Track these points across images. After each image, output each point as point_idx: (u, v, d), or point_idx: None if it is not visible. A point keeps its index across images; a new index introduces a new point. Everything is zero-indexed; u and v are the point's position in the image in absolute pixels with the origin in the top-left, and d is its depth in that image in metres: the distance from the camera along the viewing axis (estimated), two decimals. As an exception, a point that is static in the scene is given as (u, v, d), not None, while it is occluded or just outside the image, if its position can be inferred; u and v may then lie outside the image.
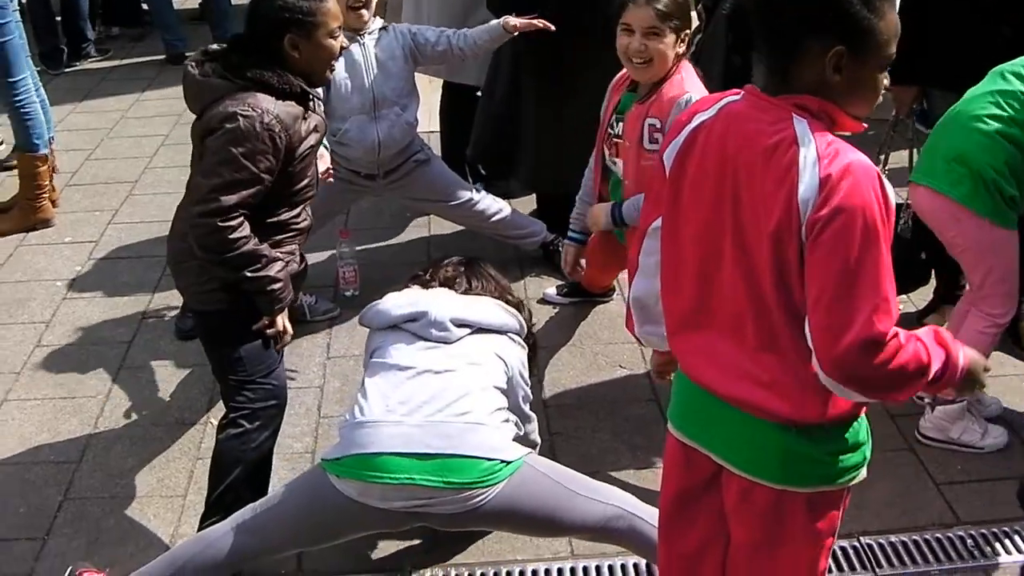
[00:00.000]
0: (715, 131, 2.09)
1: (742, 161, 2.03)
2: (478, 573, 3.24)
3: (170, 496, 3.58)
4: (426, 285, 3.30)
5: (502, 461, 2.83)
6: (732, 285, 2.09)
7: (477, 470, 2.79)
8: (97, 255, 5.21)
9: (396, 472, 2.77)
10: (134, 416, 4.00)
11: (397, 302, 3.17)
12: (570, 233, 4.10)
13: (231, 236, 2.99)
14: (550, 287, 4.78)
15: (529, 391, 3.25)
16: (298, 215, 3.26)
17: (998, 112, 3.33)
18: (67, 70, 8.13)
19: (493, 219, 4.79)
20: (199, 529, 3.13)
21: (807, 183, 1.90)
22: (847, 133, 2.04)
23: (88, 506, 3.54)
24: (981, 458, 3.70)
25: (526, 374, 3.23)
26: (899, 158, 4.39)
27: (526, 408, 3.23)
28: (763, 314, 2.05)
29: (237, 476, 3.13)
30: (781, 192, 1.94)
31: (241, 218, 3.01)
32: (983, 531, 3.39)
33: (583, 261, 4.16)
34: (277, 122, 3.00)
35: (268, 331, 3.19)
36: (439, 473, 2.77)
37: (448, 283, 3.29)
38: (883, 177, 1.95)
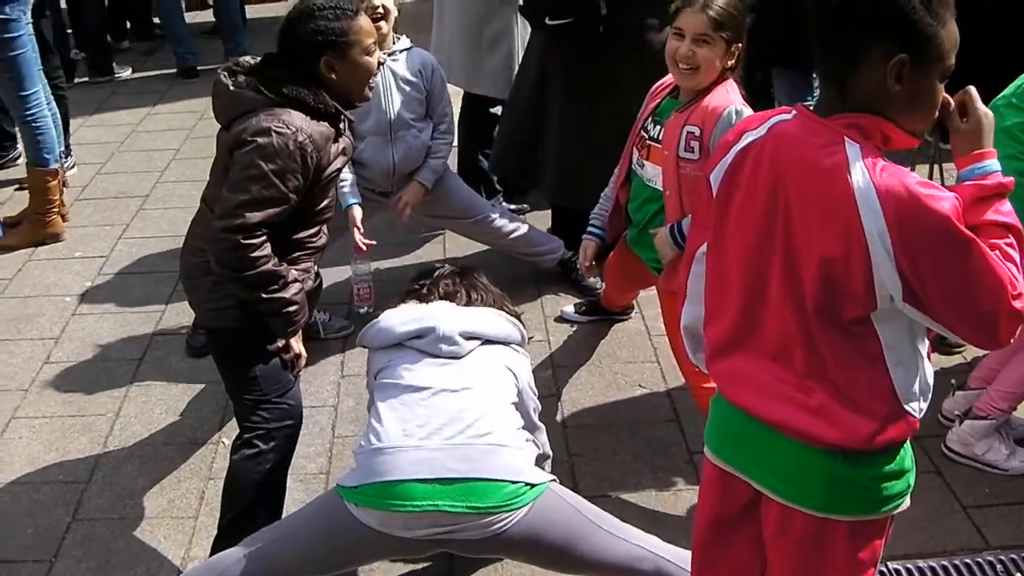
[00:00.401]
0: (765, 152, 2.02)
1: (793, 184, 1.97)
2: (497, 600, 3.16)
3: (181, 517, 3.50)
4: (425, 299, 3.15)
5: (527, 484, 2.73)
6: (780, 310, 2.03)
7: (501, 494, 2.68)
8: (107, 270, 5.15)
9: (419, 499, 2.65)
10: (144, 435, 3.92)
11: (401, 319, 3.01)
12: (590, 228, 3.92)
13: (252, 254, 2.91)
14: (568, 305, 4.70)
15: (537, 401, 3.15)
16: (315, 234, 3.19)
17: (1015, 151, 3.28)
18: (77, 82, 8.10)
19: (510, 236, 4.72)
20: (212, 553, 3.05)
21: (873, 230, 1.86)
22: (900, 149, 1.98)
23: (97, 527, 3.46)
24: (1009, 480, 3.61)
25: (533, 384, 3.12)
26: (920, 172, 4.29)
27: (535, 417, 3.11)
28: (810, 339, 2.00)
29: (252, 498, 3.05)
30: (836, 219, 1.89)
31: (264, 236, 2.93)
32: (1013, 556, 3.30)
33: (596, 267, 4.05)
34: (310, 142, 2.93)
35: (284, 355, 3.11)
36: (463, 498, 2.65)
37: (448, 297, 3.15)
38: (930, 182, 1.93)
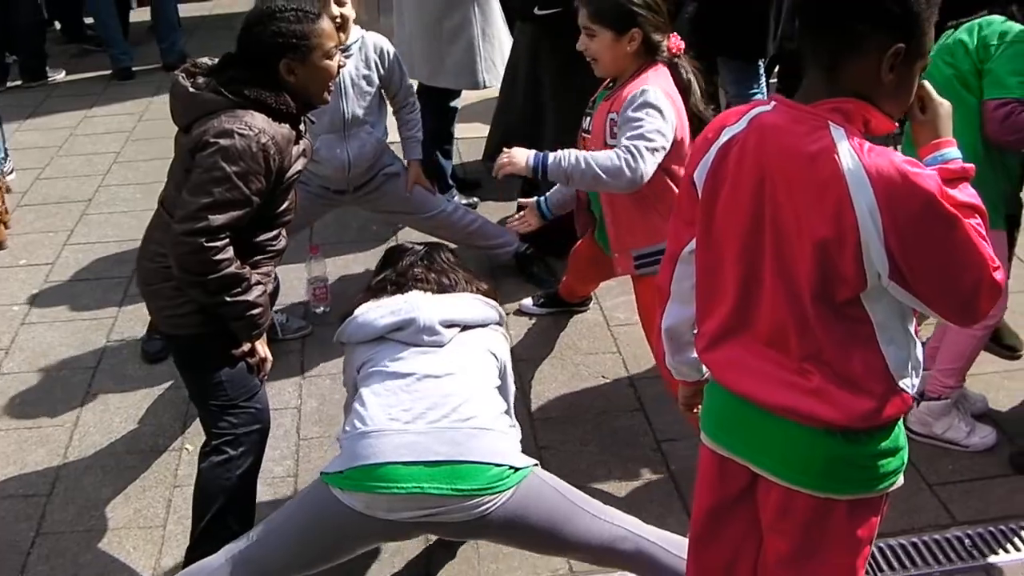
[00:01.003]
0: (748, 145, 2.04)
1: (780, 173, 1.99)
2: (476, 597, 3.15)
3: (149, 527, 3.44)
4: (400, 289, 3.10)
5: (511, 467, 2.74)
6: (773, 297, 2.06)
7: (485, 476, 2.68)
8: (54, 278, 5.04)
9: (404, 481, 2.64)
10: (105, 444, 3.84)
11: (380, 312, 2.98)
12: (540, 199, 3.94)
13: (215, 258, 2.85)
14: (526, 298, 4.69)
15: (513, 386, 3.19)
16: (275, 237, 3.15)
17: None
18: (9, 86, 7.95)
19: (467, 230, 4.71)
20: (187, 563, 3.00)
21: (864, 208, 1.89)
22: (881, 133, 2.01)
23: (63, 541, 3.39)
24: (971, 457, 3.69)
25: (511, 366, 3.15)
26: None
27: (512, 399, 3.16)
28: (805, 324, 2.03)
29: (223, 505, 3.01)
30: (827, 202, 1.92)
31: (227, 240, 2.88)
32: (980, 531, 3.38)
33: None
34: (273, 143, 2.89)
35: (249, 359, 3.08)
36: (448, 480, 2.65)
37: (422, 284, 3.11)
38: (915, 161, 1.96)
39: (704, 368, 2.39)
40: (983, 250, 1.94)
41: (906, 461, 2.20)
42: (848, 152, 1.91)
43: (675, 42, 3.49)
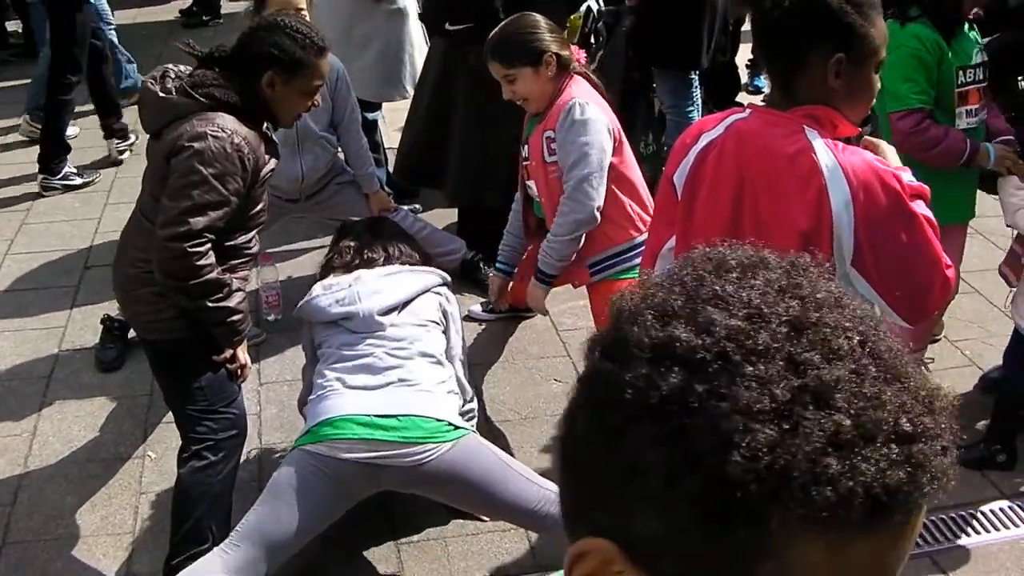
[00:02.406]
0: (727, 148, 2.19)
1: (760, 171, 2.16)
2: (448, 593, 3.24)
3: (117, 534, 3.47)
4: (348, 267, 3.56)
5: (450, 423, 3.14)
6: None
7: (427, 427, 3.09)
8: (-1, 287, 5.01)
9: (357, 430, 3.06)
10: (66, 453, 3.86)
11: (328, 301, 3.41)
12: (498, 264, 4.17)
13: (198, 263, 2.91)
14: (474, 304, 4.79)
15: (462, 344, 3.62)
16: (250, 240, 3.21)
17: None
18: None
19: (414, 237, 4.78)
20: (167, 569, 3.04)
21: (838, 199, 2.07)
22: (845, 136, 2.18)
23: (31, 550, 3.41)
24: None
25: (459, 318, 3.63)
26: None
27: (462, 369, 3.55)
28: None
29: (205, 509, 3.06)
30: (807, 196, 2.09)
31: (209, 243, 2.94)
32: (952, 515, 3.57)
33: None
34: (246, 144, 2.95)
35: (229, 365, 3.13)
36: (393, 430, 3.06)
37: (368, 264, 3.56)
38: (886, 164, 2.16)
39: None
40: (938, 251, 2.14)
41: None
42: (824, 151, 2.09)
43: (576, 53, 3.74)
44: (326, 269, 3.66)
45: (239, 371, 3.18)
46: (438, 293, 3.56)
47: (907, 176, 2.26)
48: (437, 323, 3.45)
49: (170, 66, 3.14)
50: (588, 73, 3.74)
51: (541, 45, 3.56)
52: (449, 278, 3.71)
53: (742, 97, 7.39)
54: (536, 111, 3.67)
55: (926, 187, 2.23)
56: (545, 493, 3.12)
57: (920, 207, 2.17)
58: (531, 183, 3.81)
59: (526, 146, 3.77)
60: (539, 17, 3.67)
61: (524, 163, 3.80)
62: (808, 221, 2.09)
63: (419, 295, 3.47)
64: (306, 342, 3.58)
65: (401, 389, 3.19)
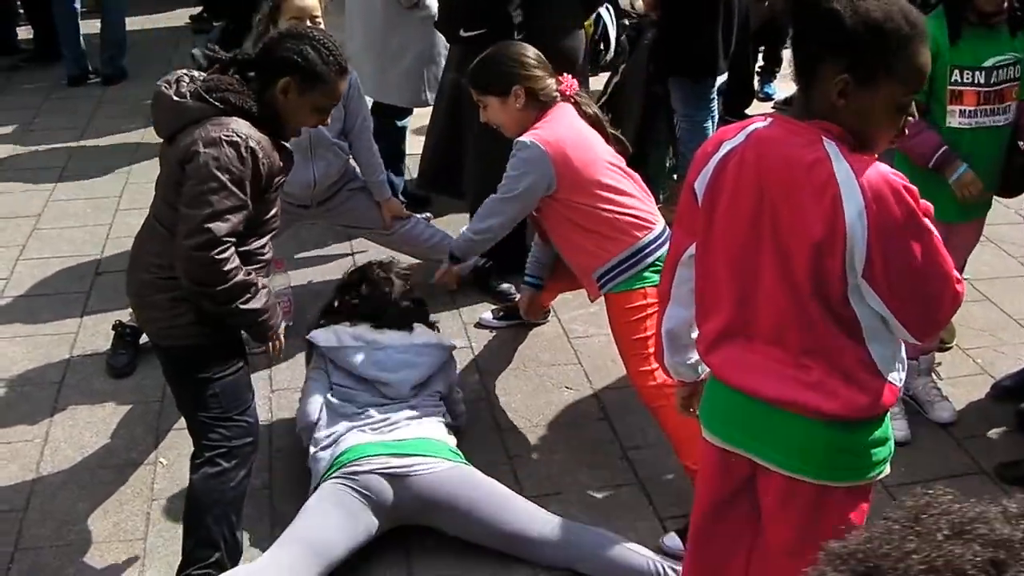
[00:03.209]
0: (747, 157, 2.20)
1: (778, 180, 2.15)
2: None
3: (129, 540, 3.47)
4: (376, 320, 3.84)
5: (451, 448, 3.50)
6: (774, 296, 2.21)
7: (429, 445, 3.44)
8: (10, 293, 5.01)
9: (375, 448, 3.39)
10: (77, 459, 3.86)
11: (364, 359, 3.71)
12: (527, 278, 4.26)
13: (225, 268, 2.92)
14: (485, 311, 4.79)
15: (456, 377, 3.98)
16: (264, 246, 3.20)
17: None
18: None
19: (426, 244, 4.79)
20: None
21: (852, 210, 2.07)
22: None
23: (43, 556, 3.41)
24: (921, 459, 3.86)
25: (454, 375, 3.96)
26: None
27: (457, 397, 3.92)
28: (804, 321, 2.19)
29: (217, 517, 3.06)
30: (822, 206, 2.08)
31: (233, 248, 2.94)
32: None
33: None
34: (260, 148, 2.95)
35: (270, 353, 3.34)
36: (407, 445, 3.42)
37: (394, 324, 3.85)
38: (904, 177, 2.13)
39: (701, 369, 2.55)
40: (949, 266, 2.14)
41: (892, 451, 2.37)
42: (841, 162, 2.09)
43: (568, 83, 3.77)
44: (339, 316, 3.90)
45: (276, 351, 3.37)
46: (446, 365, 3.90)
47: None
48: (439, 401, 3.78)
49: (183, 71, 3.14)
50: (580, 99, 3.78)
51: (510, 78, 3.64)
52: (454, 343, 4.07)
53: (755, 106, 7.40)
54: (512, 136, 3.72)
55: (930, 205, 2.23)
56: (564, 522, 3.34)
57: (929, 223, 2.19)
58: None
59: None
60: (525, 49, 3.74)
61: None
62: (823, 230, 2.09)
63: (435, 374, 3.80)
64: (318, 367, 3.78)
65: (411, 426, 3.54)
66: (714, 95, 5.49)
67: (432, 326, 4.02)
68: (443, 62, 5.29)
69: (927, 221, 2.10)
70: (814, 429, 2.25)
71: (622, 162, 3.75)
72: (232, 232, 2.93)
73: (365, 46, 5.20)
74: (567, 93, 3.73)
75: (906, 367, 2.32)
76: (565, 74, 3.80)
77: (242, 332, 3.27)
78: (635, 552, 3.25)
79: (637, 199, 3.68)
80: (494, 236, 3.90)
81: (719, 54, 5.29)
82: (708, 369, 2.45)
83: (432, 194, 5.53)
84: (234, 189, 2.91)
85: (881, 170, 2.09)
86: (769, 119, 2.24)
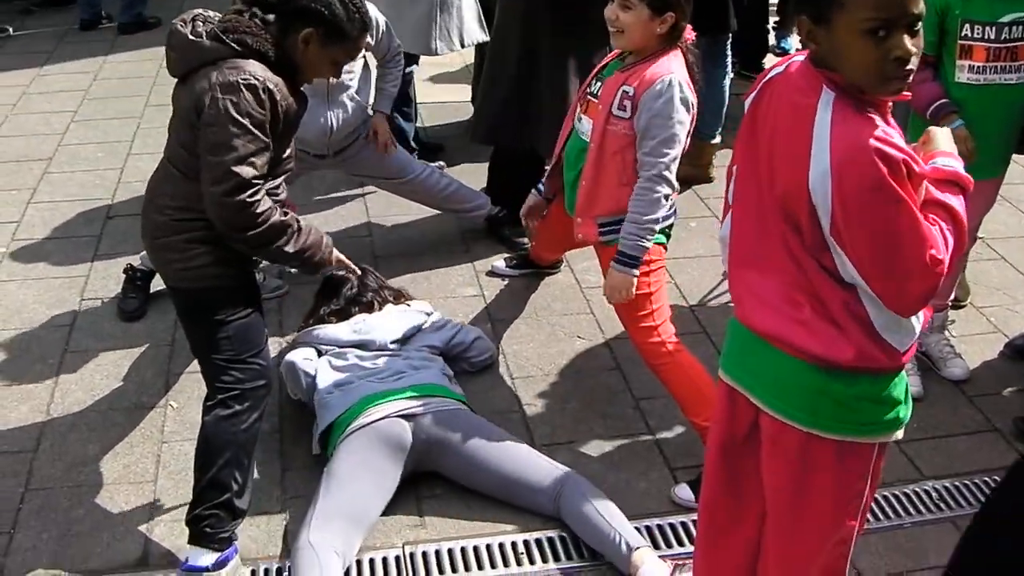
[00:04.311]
0: (775, 86, 2.18)
1: (780, 120, 2.13)
2: (470, 546, 3.24)
3: (139, 482, 3.47)
4: (344, 315, 3.98)
5: (457, 394, 3.63)
6: (771, 229, 2.18)
7: (439, 388, 3.58)
8: (22, 236, 4.99)
9: (379, 398, 3.46)
10: (88, 401, 3.85)
11: (344, 330, 3.87)
12: (539, 184, 4.02)
13: (258, 210, 2.90)
14: (498, 260, 4.77)
15: (456, 329, 4.04)
16: (278, 186, 3.16)
17: None
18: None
19: (441, 194, 4.76)
20: (190, 517, 3.05)
21: (817, 169, 2.02)
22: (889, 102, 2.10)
23: (53, 496, 3.41)
24: (934, 416, 3.84)
25: (446, 328, 4.03)
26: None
27: (463, 334, 4.03)
28: (793, 257, 2.16)
29: (228, 458, 3.04)
30: (795, 154, 2.05)
31: (262, 190, 2.93)
32: (946, 484, 3.54)
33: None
34: (277, 90, 2.91)
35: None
36: (411, 389, 3.52)
37: (368, 308, 3.99)
38: (891, 139, 2.01)
39: None
40: (927, 236, 2.02)
41: (904, 418, 2.28)
42: (825, 113, 2.02)
43: (689, 33, 3.54)
44: (318, 319, 3.99)
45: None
46: (426, 324, 4.02)
47: (944, 161, 2.22)
48: (433, 353, 3.87)
49: (200, 10, 3.09)
50: (688, 51, 3.54)
51: (669, 3, 3.38)
52: (431, 309, 4.14)
53: (770, 60, 7.33)
54: (625, 48, 3.50)
55: (966, 177, 2.18)
56: (559, 474, 3.33)
57: (943, 195, 2.13)
58: (585, 119, 3.63)
59: (599, 83, 3.61)
60: None
61: (588, 96, 3.65)
62: (791, 180, 2.06)
63: (418, 331, 3.96)
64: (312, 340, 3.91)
65: (415, 374, 3.64)
66: (728, 51, 5.44)
67: (405, 297, 4.18)
68: (458, 11, 5.22)
69: (900, 190, 1.98)
70: (799, 370, 2.21)
71: None
72: (260, 174, 2.91)
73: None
74: (688, 40, 3.52)
75: (914, 332, 2.22)
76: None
77: (258, 275, 3.25)
78: (604, 519, 3.18)
79: None
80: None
81: (730, 10, 5.23)
82: None
83: (490, 145, 5.16)
84: (256, 132, 2.87)
85: (863, 131, 1.99)
86: (800, 58, 2.19)
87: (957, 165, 2.23)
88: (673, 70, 3.40)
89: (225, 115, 2.84)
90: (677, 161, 3.43)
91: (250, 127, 2.86)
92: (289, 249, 3.05)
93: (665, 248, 3.61)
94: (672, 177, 3.43)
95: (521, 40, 4.58)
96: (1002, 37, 3.55)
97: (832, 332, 2.15)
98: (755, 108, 2.23)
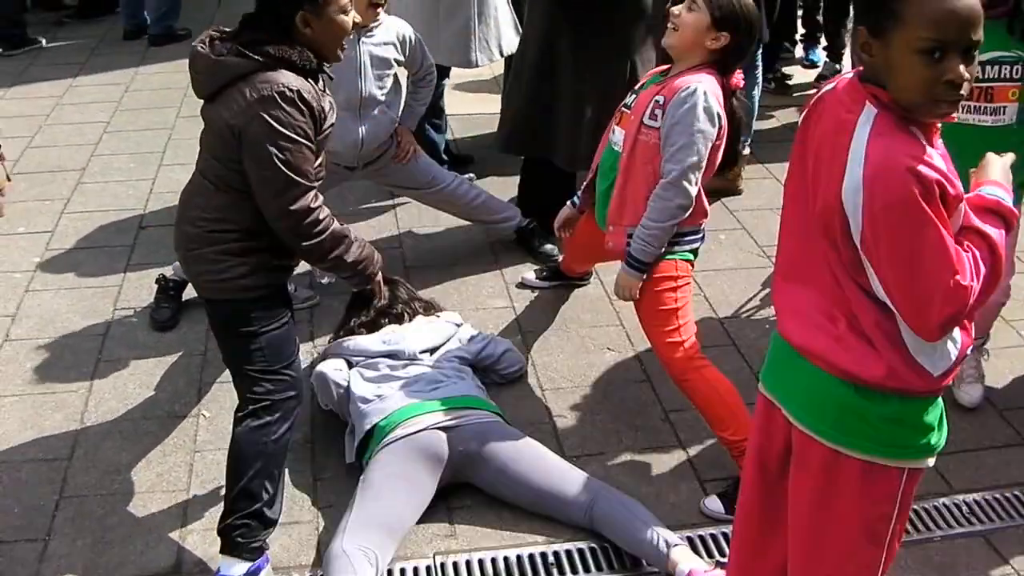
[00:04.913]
0: (824, 104, 2.18)
1: (823, 135, 2.13)
2: (500, 557, 3.25)
3: (172, 491, 3.49)
4: (375, 327, 3.97)
5: (491, 405, 3.64)
6: (813, 244, 2.18)
7: (474, 400, 3.59)
8: (55, 246, 5.04)
9: (414, 410, 3.47)
10: (122, 410, 3.89)
11: (373, 340, 3.87)
12: (574, 196, 4.06)
13: (321, 216, 3.02)
14: (528, 271, 4.78)
15: (486, 342, 4.02)
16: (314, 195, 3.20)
17: None
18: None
19: (470, 204, 4.78)
20: (222, 526, 3.08)
21: (850, 182, 2.02)
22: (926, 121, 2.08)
23: (87, 504, 3.44)
24: (963, 429, 3.81)
25: (476, 340, 4.03)
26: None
27: (493, 346, 4.03)
28: (830, 272, 2.16)
29: (259, 468, 3.07)
30: (833, 170, 2.05)
31: (320, 196, 3.05)
32: (976, 498, 3.52)
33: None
34: (311, 96, 2.94)
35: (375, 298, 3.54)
36: (445, 401, 3.53)
37: (399, 319, 4.00)
38: (927, 159, 1.98)
39: None
40: (951, 260, 2.00)
41: (936, 445, 2.25)
42: (864, 130, 2.02)
43: (738, 78, 3.55)
44: (348, 331, 4.00)
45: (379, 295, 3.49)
46: (458, 337, 4.02)
47: (991, 191, 2.19)
48: (463, 365, 3.86)
49: (213, 31, 3.09)
50: (731, 92, 3.54)
51: (732, 22, 3.40)
52: (460, 320, 4.13)
53: (798, 72, 7.33)
54: (669, 44, 3.49)
55: (1010, 209, 2.16)
56: (591, 486, 3.34)
57: (982, 223, 2.11)
58: (619, 129, 3.65)
59: (634, 96, 3.64)
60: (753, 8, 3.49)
61: (624, 109, 3.66)
62: (829, 195, 2.07)
63: (448, 341, 3.95)
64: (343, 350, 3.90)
65: (450, 386, 3.64)
66: (759, 61, 5.44)
67: (436, 308, 4.19)
68: (495, 23, 5.23)
69: (929, 211, 1.96)
70: (829, 385, 2.20)
71: None
72: (315, 179, 3.02)
73: (417, 7, 5.11)
74: (733, 85, 3.53)
75: (950, 357, 2.17)
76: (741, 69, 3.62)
77: (289, 286, 3.28)
78: (639, 520, 3.21)
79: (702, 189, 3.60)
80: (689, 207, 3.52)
81: (762, 21, 5.22)
82: None
83: (508, 153, 5.19)
84: (303, 141, 2.93)
85: (899, 150, 1.98)
86: (854, 72, 2.18)
87: (1004, 196, 2.19)
88: (703, 80, 3.41)
89: (271, 129, 2.89)
90: (698, 172, 3.42)
91: (296, 137, 2.91)
92: (348, 258, 3.14)
93: (692, 265, 3.62)
94: (690, 188, 3.42)
95: (540, 53, 4.62)
96: (976, 76, 3.47)
97: (864, 349, 2.14)
98: (805, 126, 2.23)
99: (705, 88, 3.39)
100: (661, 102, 3.44)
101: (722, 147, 3.51)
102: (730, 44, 3.43)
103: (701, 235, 3.62)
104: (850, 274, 2.12)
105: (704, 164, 3.43)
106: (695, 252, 3.63)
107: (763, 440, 2.45)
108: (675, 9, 3.46)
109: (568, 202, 4.04)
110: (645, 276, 3.52)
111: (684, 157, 3.40)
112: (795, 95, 6.95)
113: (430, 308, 4.15)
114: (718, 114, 3.41)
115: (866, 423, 2.20)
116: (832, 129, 2.10)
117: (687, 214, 3.47)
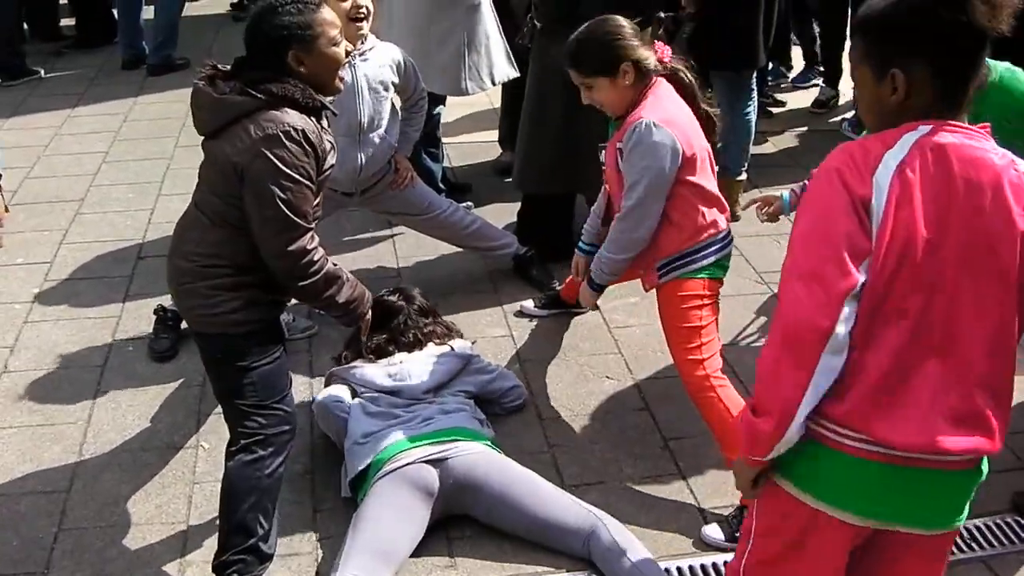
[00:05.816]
0: (926, 164, 1.99)
1: (975, 187, 2.02)
2: (501, 589, 3.24)
3: (171, 523, 3.48)
4: (411, 349, 3.96)
5: (485, 436, 3.61)
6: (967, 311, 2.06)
7: (465, 432, 3.54)
8: (54, 276, 5.04)
9: (409, 444, 3.45)
10: (120, 442, 3.88)
11: (379, 372, 3.84)
12: (580, 243, 4.17)
13: (315, 258, 3.04)
14: (526, 300, 4.78)
15: (492, 375, 4.00)
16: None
17: None
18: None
19: (465, 231, 4.78)
20: (217, 561, 3.08)
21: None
22: None
23: (86, 536, 3.43)
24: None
25: (483, 366, 4.01)
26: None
27: (500, 381, 4.01)
28: (997, 338, 2.05)
29: (252, 504, 3.06)
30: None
31: (316, 237, 3.07)
32: (978, 524, 3.50)
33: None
34: (314, 135, 2.95)
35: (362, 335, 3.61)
36: (440, 433, 3.50)
37: (410, 347, 3.96)
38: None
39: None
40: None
41: None
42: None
43: (661, 51, 3.62)
44: (356, 351, 4.00)
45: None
46: (467, 370, 3.96)
47: None
48: (467, 399, 3.84)
49: (211, 67, 3.08)
50: (677, 70, 3.63)
51: (618, 54, 3.48)
52: (472, 352, 4.04)
53: (796, 96, 7.35)
54: (615, 115, 3.62)
55: None
56: (588, 515, 3.32)
57: None
58: (606, 186, 3.81)
59: (603, 151, 3.74)
60: (620, 21, 3.56)
61: (602, 167, 3.78)
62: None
63: (455, 377, 3.90)
64: (350, 377, 3.89)
65: (442, 419, 3.61)
66: (754, 84, 5.46)
67: (452, 333, 4.14)
68: (486, 51, 5.26)
69: None
70: (968, 476, 2.15)
71: (710, 153, 3.64)
72: (311, 216, 3.03)
73: (408, 34, 5.15)
74: (665, 61, 3.59)
75: None
76: (656, 42, 3.71)
77: (288, 315, 3.29)
78: (633, 566, 3.17)
79: (717, 196, 3.63)
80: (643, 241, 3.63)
81: (760, 45, 5.26)
82: None
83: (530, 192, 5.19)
84: (304, 181, 2.95)
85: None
86: (930, 126, 2.01)
87: None
88: (643, 114, 3.48)
89: (275, 168, 2.90)
90: (648, 203, 3.51)
91: (299, 177, 2.92)
92: (340, 299, 3.16)
93: (720, 283, 3.68)
94: (642, 218, 3.54)
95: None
96: None
97: (1000, 415, 2.07)
98: (898, 196, 1.99)
99: (647, 120, 3.45)
100: (620, 147, 3.55)
101: (702, 149, 3.56)
102: (635, 60, 3.50)
103: (719, 247, 3.64)
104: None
105: (660, 196, 3.51)
106: (724, 266, 3.69)
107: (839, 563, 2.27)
108: (584, 100, 3.63)
109: (576, 250, 4.17)
110: (599, 292, 3.89)
111: (633, 193, 3.51)
112: (790, 120, 6.98)
113: (446, 333, 4.11)
114: (665, 141, 3.43)
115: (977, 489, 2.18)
116: (980, 173, 2.01)
117: (641, 248, 3.62)
